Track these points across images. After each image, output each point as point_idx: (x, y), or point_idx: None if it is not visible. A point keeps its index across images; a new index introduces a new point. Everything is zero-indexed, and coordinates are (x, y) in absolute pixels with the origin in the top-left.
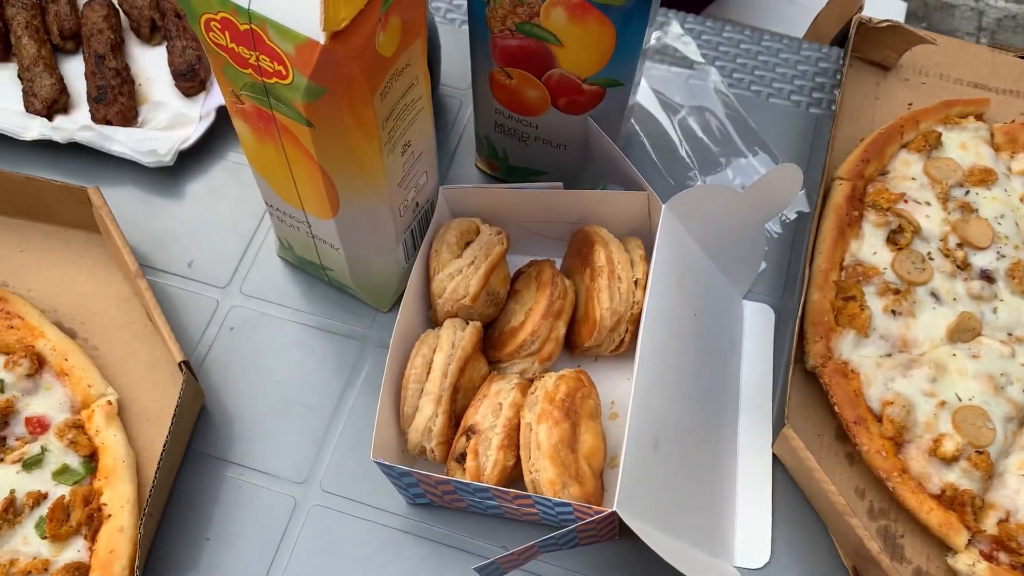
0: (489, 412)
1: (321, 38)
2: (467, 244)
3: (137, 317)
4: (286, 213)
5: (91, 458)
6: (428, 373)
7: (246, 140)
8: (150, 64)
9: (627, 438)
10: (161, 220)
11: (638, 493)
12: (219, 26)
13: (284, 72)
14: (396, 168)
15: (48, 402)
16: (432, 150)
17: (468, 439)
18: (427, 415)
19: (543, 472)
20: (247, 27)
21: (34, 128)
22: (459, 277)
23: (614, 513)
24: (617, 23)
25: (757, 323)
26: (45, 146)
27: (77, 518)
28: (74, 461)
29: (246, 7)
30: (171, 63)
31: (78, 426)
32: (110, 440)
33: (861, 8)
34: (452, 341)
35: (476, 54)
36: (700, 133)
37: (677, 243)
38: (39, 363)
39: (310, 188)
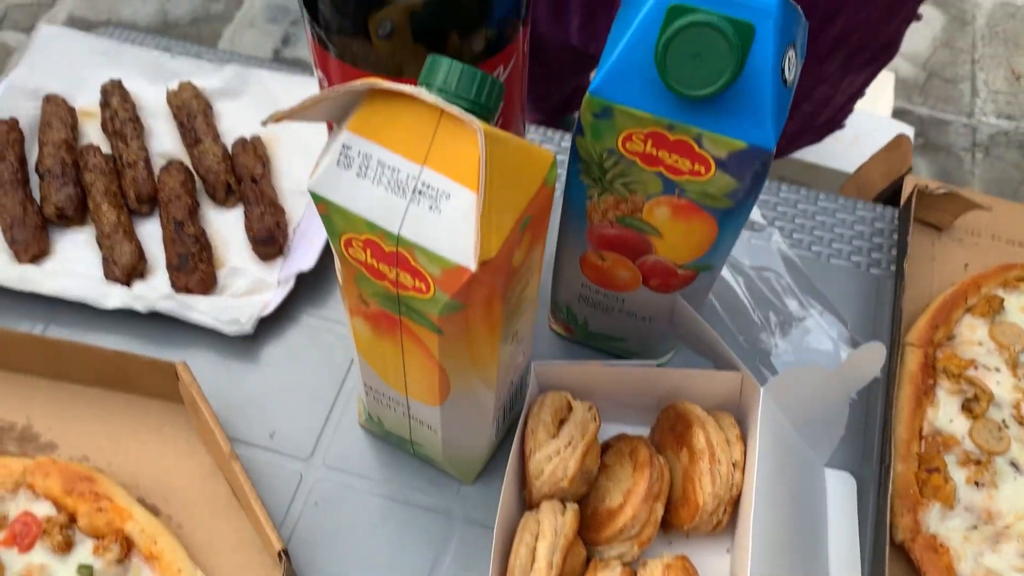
0: None
1: (472, 266)
2: (561, 421)
3: (221, 493)
4: (385, 395)
5: None
6: (532, 563)
7: (361, 335)
8: (225, 226)
9: None
10: (241, 388)
11: None
12: (361, 245)
13: (425, 289)
14: (505, 357)
15: None
16: (532, 333)
17: None
18: None
19: None
20: (393, 250)
21: (115, 296)
22: (556, 459)
23: None
24: (719, 219)
25: (839, 492)
26: (122, 311)
27: None
28: None
29: (395, 233)
30: (249, 228)
31: None
32: None
33: (910, 169)
34: (554, 528)
35: (568, 237)
36: (768, 295)
37: (776, 426)
38: (128, 547)
39: (423, 381)
